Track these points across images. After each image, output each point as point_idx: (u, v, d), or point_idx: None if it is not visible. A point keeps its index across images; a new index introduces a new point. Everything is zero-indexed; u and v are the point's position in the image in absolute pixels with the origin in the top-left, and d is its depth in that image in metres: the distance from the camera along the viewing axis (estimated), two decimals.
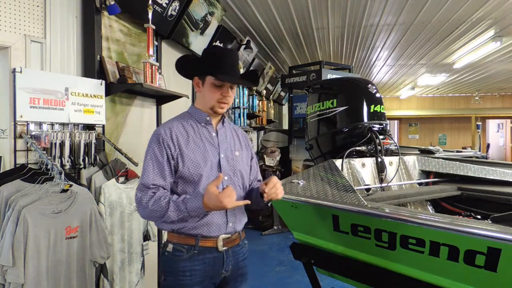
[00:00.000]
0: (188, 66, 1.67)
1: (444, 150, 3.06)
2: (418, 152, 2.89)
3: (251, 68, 6.50)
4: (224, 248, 1.52)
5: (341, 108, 2.56)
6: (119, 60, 2.83)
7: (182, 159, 1.49)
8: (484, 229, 1.25)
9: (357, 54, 6.94)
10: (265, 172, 6.01)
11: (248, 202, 1.47)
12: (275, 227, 5.52)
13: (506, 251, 1.21)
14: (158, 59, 3.36)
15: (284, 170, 6.02)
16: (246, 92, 5.70)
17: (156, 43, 3.32)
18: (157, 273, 3.33)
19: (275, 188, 1.47)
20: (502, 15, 4.76)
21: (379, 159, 2.34)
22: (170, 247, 1.51)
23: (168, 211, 1.40)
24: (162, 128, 1.54)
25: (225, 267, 1.54)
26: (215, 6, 4.11)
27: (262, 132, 7.94)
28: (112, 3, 2.51)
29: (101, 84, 2.53)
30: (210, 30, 4.30)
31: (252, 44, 5.66)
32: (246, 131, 6.04)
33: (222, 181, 1.52)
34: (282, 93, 9.56)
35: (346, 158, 2.28)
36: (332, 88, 2.76)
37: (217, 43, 4.70)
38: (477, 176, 2.33)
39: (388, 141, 2.64)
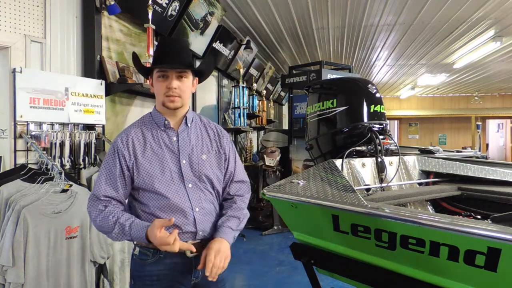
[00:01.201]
0: (142, 73, 1.60)
1: (444, 150, 3.06)
2: (418, 152, 2.88)
3: (251, 68, 6.51)
4: (193, 254, 1.41)
5: (341, 108, 2.56)
6: (119, 60, 2.83)
7: (137, 170, 1.41)
8: (484, 229, 1.25)
9: (357, 54, 6.94)
10: (265, 172, 6.01)
11: (193, 249, 1.37)
12: (275, 227, 5.52)
13: (506, 251, 1.21)
14: None
15: (284, 170, 6.02)
16: (246, 92, 5.70)
17: (156, 43, 3.32)
18: None
19: (215, 268, 1.33)
20: (502, 15, 4.76)
21: (379, 159, 2.34)
22: (137, 250, 1.45)
23: (112, 232, 1.35)
24: (120, 136, 1.46)
25: (194, 273, 1.45)
26: (215, 6, 4.11)
27: (262, 132, 7.95)
28: (112, 3, 2.51)
29: (101, 84, 2.53)
30: (210, 30, 4.31)
31: (252, 44, 5.66)
32: (245, 131, 6.06)
33: (186, 188, 1.44)
34: (282, 93, 9.57)
35: (346, 158, 2.28)
36: (332, 88, 2.75)
37: (217, 43, 4.70)
38: (477, 176, 2.33)
39: (388, 141, 2.64)
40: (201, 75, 1.60)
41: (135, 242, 1.48)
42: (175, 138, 1.48)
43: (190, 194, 1.44)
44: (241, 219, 1.53)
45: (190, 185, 1.45)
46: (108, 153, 1.45)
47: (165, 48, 1.48)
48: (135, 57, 1.59)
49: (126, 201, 1.49)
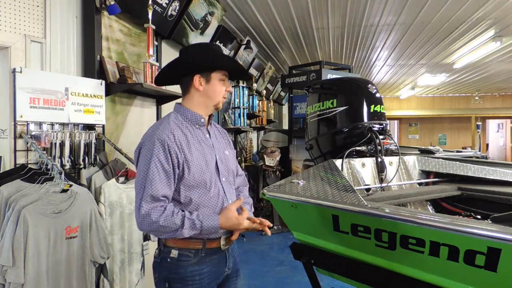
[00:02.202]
0: (179, 68, 1.57)
1: (444, 150, 3.06)
2: (418, 152, 2.89)
3: (251, 68, 6.51)
4: (226, 246, 1.54)
5: (341, 108, 2.56)
6: (119, 60, 2.83)
7: (188, 166, 1.43)
8: (484, 229, 1.25)
9: (357, 54, 6.94)
10: (265, 172, 6.01)
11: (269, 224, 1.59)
12: (275, 227, 5.52)
13: (506, 251, 1.21)
14: (158, 59, 3.36)
15: (284, 170, 6.02)
16: (246, 92, 5.70)
17: (156, 43, 3.32)
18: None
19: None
20: (502, 15, 4.76)
21: (379, 159, 2.34)
22: (174, 253, 1.44)
23: (183, 229, 1.36)
24: (164, 133, 1.42)
25: (228, 264, 1.57)
26: (215, 6, 4.11)
27: (262, 132, 7.94)
28: (112, 3, 2.51)
29: (101, 84, 2.53)
30: (210, 30, 4.30)
31: (252, 44, 5.65)
32: (245, 131, 6.06)
33: (221, 182, 1.54)
34: (282, 93, 9.56)
35: (346, 158, 2.28)
36: (332, 88, 2.76)
37: (217, 43, 4.70)
38: (477, 176, 2.33)
39: (388, 141, 2.64)
40: None
41: (165, 245, 1.49)
42: (208, 135, 1.58)
43: (224, 187, 1.54)
44: (251, 205, 1.73)
45: (223, 179, 1.56)
46: (155, 151, 1.39)
47: (225, 55, 1.61)
48: (196, 51, 1.61)
49: None
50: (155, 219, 1.34)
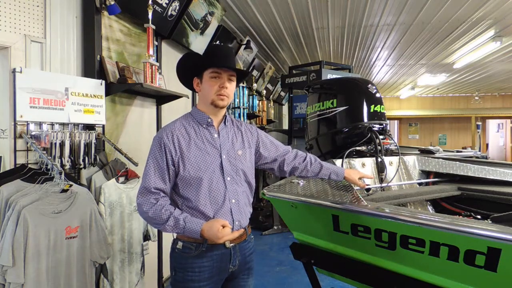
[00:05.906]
0: (186, 72, 1.68)
1: (444, 150, 3.06)
2: (418, 152, 2.89)
3: (251, 68, 6.51)
4: (232, 244, 1.56)
5: (341, 108, 2.56)
6: (119, 60, 2.83)
7: (183, 163, 1.52)
8: (484, 229, 1.25)
9: (357, 54, 6.94)
10: (265, 172, 6.00)
11: (241, 231, 1.57)
12: (275, 227, 5.52)
13: (506, 251, 1.21)
14: (158, 59, 3.36)
15: None
16: (246, 92, 5.70)
17: (156, 43, 3.32)
18: (157, 272, 3.34)
19: None
20: (502, 15, 4.76)
21: (379, 159, 2.34)
22: (179, 244, 1.55)
23: (166, 224, 1.45)
24: (164, 132, 1.56)
25: (232, 262, 1.58)
26: (215, 6, 4.11)
27: None
28: (112, 3, 2.51)
29: (101, 84, 2.53)
30: (210, 30, 4.30)
31: (252, 44, 5.65)
32: None
33: (225, 181, 1.56)
34: (282, 93, 9.56)
35: (346, 158, 2.29)
36: (332, 88, 2.76)
37: (217, 43, 4.70)
38: (477, 176, 2.33)
39: (388, 141, 2.64)
40: (238, 81, 1.72)
41: (175, 236, 1.60)
42: (216, 135, 1.61)
43: (228, 186, 1.56)
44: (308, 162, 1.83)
45: (228, 178, 1.57)
46: (153, 148, 1.55)
47: (218, 52, 1.58)
48: (187, 59, 1.67)
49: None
50: (145, 209, 1.47)
